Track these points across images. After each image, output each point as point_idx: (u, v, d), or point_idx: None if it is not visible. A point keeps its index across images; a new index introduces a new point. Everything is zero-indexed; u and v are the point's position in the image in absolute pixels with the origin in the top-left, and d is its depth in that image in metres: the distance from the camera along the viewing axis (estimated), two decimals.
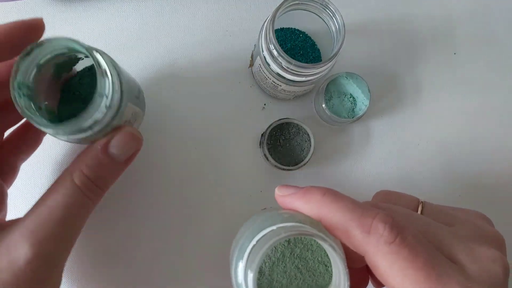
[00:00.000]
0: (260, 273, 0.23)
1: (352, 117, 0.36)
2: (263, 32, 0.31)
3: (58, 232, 0.25)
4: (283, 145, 0.36)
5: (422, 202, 0.27)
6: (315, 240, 0.24)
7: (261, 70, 0.34)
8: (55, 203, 0.25)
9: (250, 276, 0.21)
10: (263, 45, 0.31)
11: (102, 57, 0.25)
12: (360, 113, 0.36)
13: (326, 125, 0.38)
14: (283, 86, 0.34)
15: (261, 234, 0.22)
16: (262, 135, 0.37)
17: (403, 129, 0.39)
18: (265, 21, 0.32)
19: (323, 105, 0.36)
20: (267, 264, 0.23)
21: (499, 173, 0.40)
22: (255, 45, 0.34)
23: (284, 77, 0.32)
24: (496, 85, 0.41)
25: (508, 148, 0.40)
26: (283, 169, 0.36)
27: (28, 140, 0.31)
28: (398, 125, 0.39)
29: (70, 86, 0.30)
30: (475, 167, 0.40)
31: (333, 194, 0.23)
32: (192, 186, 0.37)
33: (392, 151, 0.39)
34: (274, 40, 0.30)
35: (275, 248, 0.23)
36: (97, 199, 0.27)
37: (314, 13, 0.32)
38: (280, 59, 0.30)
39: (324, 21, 0.32)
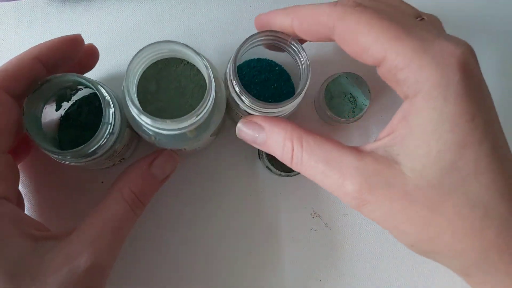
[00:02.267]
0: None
1: (353, 117, 0.36)
2: (228, 68, 0.30)
3: (112, 243, 0.27)
4: None
5: None
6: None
7: (230, 106, 0.32)
8: (109, 216, 0.28)
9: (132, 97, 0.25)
10: (229, 81, 0.30)
11: (105, 89, 0.29)
12: (360, 113, 0.36)
13: (326, 125, 0.38)
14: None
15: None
16: None
17: None
18: (230, 59, 0.30)
19: (324, 105, 0.36)
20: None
21: None
22: (225, 72, 0.32)
23: (250, 113, 0.31)
24: (496, 85, 0.40)
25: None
26: (287, 176, 0.36)
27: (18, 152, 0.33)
28: None
29: (68, 114, 0.34)
30: None
31: None
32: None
33: None
34: (236, 78, 0.28)
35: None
36: (140, 213, 0.30)
37: (283, 49, 0.31)
38: (243, 97, 0.29)
39: (292, 58, 0.31)
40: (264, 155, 0.35)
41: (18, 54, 0.28)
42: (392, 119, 0.25)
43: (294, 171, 0.34)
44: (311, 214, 0.37)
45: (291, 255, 0.37)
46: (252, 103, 0.29)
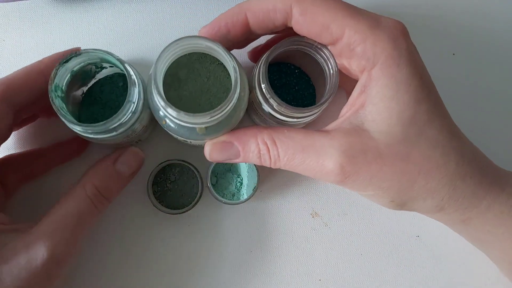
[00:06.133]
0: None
1: (231, 199, 0.35)
2: (256, 71, 0.30)
3: (70, 237, 0.28)
4: (172, 189, 0.35)
5: None
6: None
7: (253, 107, 0.33)
8: (69, 211, 0.28)
9: (155, 92, 0.25)
10: (256, 85, 0.30)
11: (131, 68, 0.29)
12: (238, 200, 0.34)
13: None
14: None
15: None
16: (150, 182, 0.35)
17: None
18: (261, 60, 0.30)
19: (209, 183, 0.34)
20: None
21: None
22: (252, 75, 0.32)
23: (275, 117, 0.31)
24: (496, 86, 0.40)
25: (510, 148, 0.40)
26: (177, 214, 0.34)
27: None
28: None
29: (91, 91, 0.34)
30: None
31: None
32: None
33: None
34: (266, 81, 0.28)
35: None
36: (103, 209, 0.30)
37: (310, 54, 0.31)
38: (271, 100, 0.29)
39: (319, 63, 0.31)
40: (151, 193, 0.34)
41: (25, 65, 0.30)
42: (350, 97, 0.28)
43: (183, 207, 0.33)
44: (311, 214, 0.37)
45: (291, 255, 0.37)
46: (280, 108, 0.28)
